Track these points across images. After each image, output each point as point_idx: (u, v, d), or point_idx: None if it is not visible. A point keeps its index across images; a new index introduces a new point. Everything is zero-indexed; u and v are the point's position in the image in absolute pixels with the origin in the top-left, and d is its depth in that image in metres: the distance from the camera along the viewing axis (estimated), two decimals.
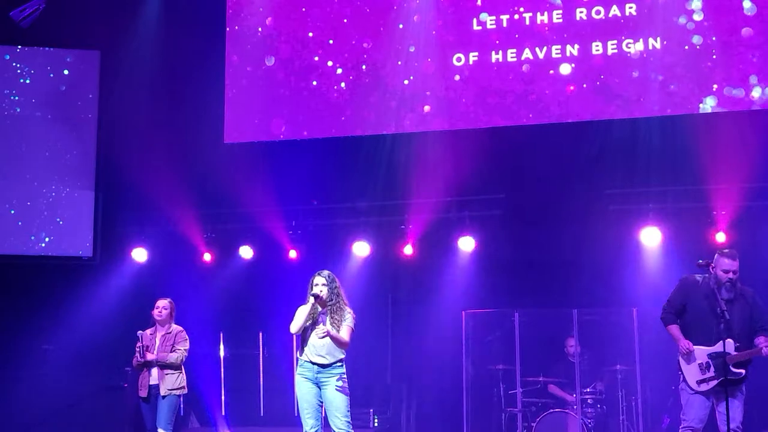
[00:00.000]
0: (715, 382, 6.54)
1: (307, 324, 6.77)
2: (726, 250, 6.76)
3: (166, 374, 7.79)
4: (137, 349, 7.82)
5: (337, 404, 6.65)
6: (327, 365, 6.70)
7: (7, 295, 10.76)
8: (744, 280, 6.81)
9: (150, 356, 7.76)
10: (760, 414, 8.45)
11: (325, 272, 6.87)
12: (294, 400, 10.48)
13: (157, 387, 7.79)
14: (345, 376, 6.76)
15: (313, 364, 6.71)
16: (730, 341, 6.46)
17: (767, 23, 9.40)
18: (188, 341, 7.96)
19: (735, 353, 6.50)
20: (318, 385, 6.72)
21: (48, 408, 10.42)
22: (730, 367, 6.47)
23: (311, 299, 6.72)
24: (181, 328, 7.99)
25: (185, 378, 7.94)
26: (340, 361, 6.75)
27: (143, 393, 7.83)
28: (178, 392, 7.84)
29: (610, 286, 9.61)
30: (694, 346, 6.62)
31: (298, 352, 6.88)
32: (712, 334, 6.53)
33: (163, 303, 7.97)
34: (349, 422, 6.67)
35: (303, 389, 6.76)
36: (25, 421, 10.35)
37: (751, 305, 6.65)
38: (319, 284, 6.78)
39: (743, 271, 6.89)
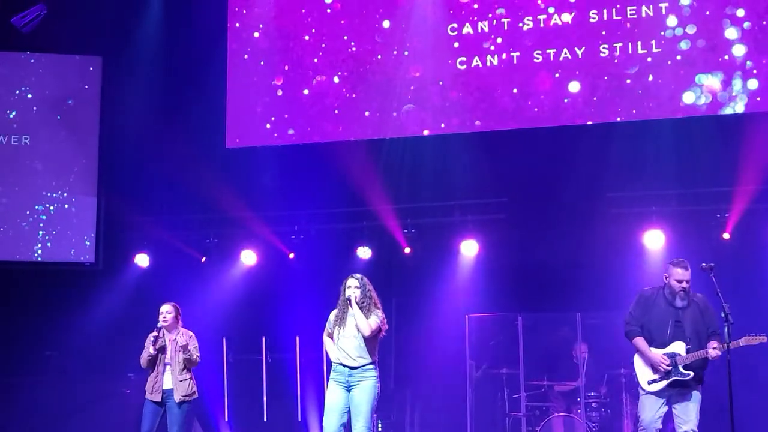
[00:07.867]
0: (665, 383, 6.69)
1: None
2: (678, 260, 6.84)
3: (180, 380, 7.57)
4: (151, 339, 7.54)
5: (362, 408, 6.63)
6: (357, 367, 6.68)
7: (9, 301, 10.75)
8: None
9: (174, 337, 7.50)
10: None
11: (358, 275, 6.88)
12: (297, 406, 10.52)
13: (170, 392, 7.56)
14: (377, 379, 6.72)
15: (344, 366, 6.71)
16: (681, 343, 6.67)
17: (757, 29, 9.40)
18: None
19: (686, 355, 6.66)
20: (349, 388, 6.70)
21: (50, 414, 10.41)
22: (680, 368, 6.63)
23: (350, 300, 6.70)
24: (191, 333, 7.74)
25: (195, 383, 7.74)
26: (372, 363, 6.72)
27: (157, 397, 7.56)
28: (191, 398, 7.64)
29: (614, 289, 9.56)
30: (651, 348, 6.78)
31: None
32: (666, 339, 6.72)
33: (166, 308, 7.73)
34: (369, 428, 6.63)
35: (333, 394, 6.73)
36: (27, 428, 10.33)
37: (702, 311, 6.78)
38: (352, 286, 6.79)
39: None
